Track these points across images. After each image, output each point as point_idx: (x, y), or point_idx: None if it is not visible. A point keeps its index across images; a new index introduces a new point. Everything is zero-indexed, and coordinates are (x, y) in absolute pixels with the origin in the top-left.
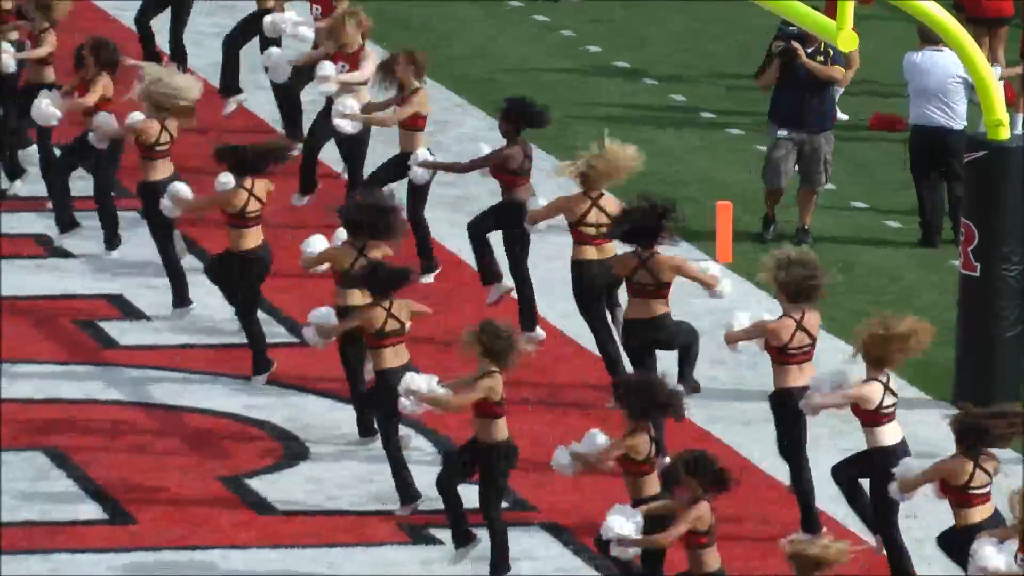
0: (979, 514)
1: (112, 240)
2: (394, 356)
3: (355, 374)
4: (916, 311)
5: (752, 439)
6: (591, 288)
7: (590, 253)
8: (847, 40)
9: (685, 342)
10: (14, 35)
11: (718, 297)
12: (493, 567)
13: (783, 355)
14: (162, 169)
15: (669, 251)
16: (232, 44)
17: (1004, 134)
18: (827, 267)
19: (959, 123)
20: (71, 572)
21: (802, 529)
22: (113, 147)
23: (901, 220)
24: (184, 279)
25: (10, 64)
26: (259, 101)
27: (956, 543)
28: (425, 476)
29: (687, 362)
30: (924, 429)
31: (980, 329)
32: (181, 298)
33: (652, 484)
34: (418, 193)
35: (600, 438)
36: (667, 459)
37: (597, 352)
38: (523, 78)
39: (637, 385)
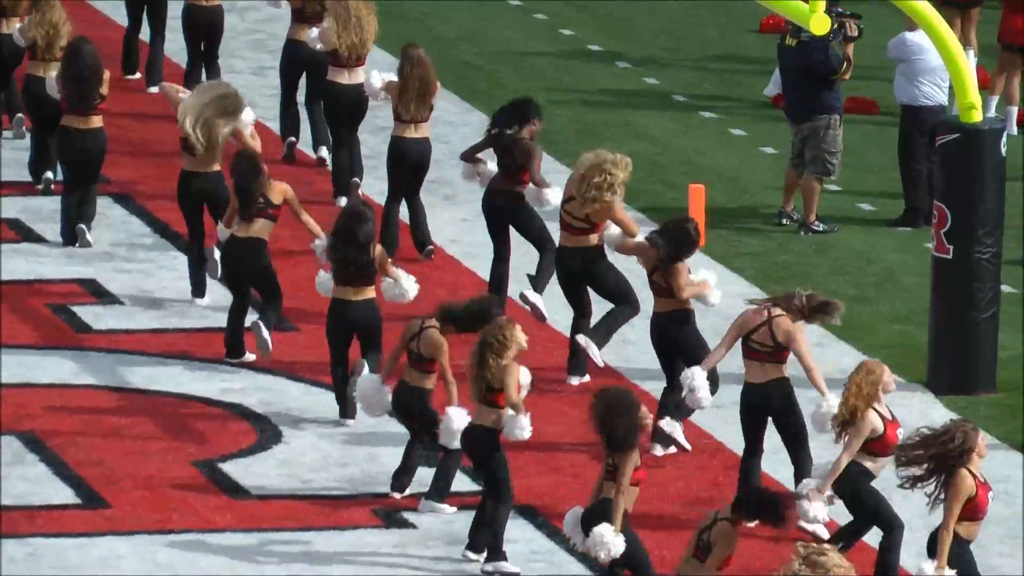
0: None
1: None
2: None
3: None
4: (895, 293)
5: (723, 421)
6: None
7: (563, 239)
8: (820, 23)
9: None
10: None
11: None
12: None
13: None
14: None
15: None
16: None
17: (976, 117)
18: (806, 250)
19: None
20: (48, 556)
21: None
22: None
23: (876, 202)
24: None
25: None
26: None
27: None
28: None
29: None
30: (899, 412)
31: (954, 312)
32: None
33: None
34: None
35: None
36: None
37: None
38: (504, 62)
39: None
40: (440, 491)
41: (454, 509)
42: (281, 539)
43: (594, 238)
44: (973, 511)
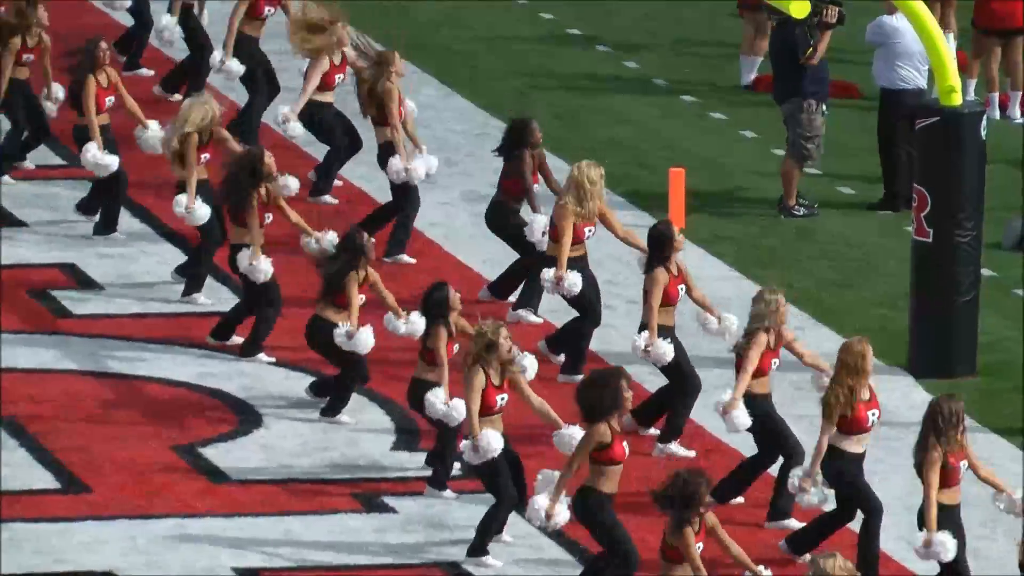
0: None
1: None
2: None
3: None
4: (876, 277)
5: (703, 406)
6: None
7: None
8: (799, 7)
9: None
10: None
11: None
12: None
13: None
14: None
15: None
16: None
17: (956, 100)
18: (787, 234)
19: None
20: (29, 541)
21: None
22: None
23: (854, 186)
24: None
25: None
26: None
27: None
28: (378, 446)
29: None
30: (879, 396)
31: (934, 296)
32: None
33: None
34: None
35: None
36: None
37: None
38: (484, 47)
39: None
40: (440, 479)
41: (455, 495)
42: (262, 524)
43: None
44: (946, 479)
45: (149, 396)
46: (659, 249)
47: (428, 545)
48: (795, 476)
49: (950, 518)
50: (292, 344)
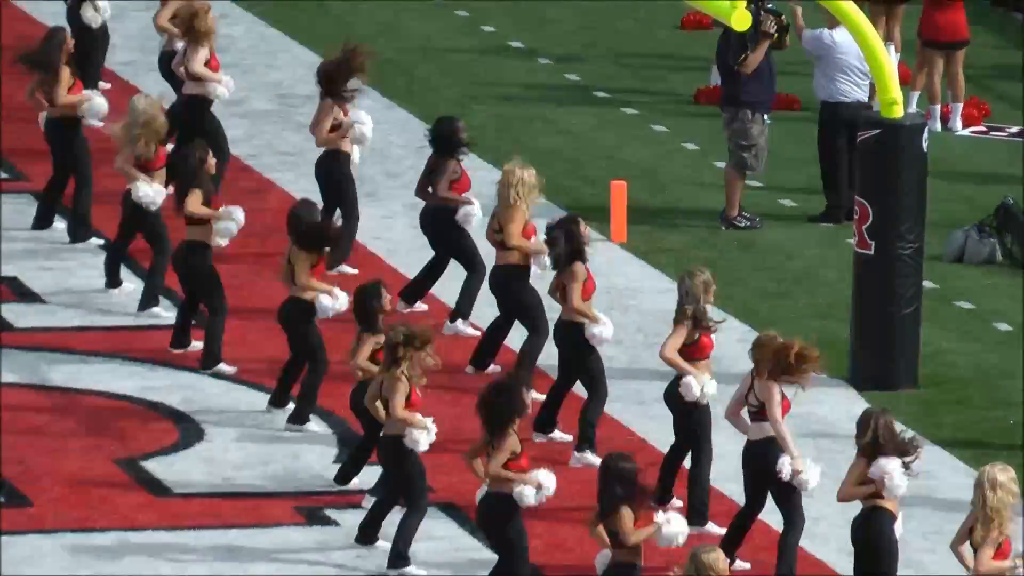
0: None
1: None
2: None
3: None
4: (816, 288)
5: (646, 417)
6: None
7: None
8: (740, 19)
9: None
10: None
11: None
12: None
13: None
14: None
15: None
16: None
17: (898, 112)
18: (728, 246)
19: None
20: None
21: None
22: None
23: (796, 198)
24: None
25: None
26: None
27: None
28: (321, 459)
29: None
30: (821, 408)
31: (876, 308)
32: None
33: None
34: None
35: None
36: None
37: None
38: (424, 58)
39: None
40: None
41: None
42: (204, 537)
43: (512, 255)
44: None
45: (90, 409)
46: (573, 244)
47: (370, 558)
48: (784, 464)
49: None
50: (233, 357)
